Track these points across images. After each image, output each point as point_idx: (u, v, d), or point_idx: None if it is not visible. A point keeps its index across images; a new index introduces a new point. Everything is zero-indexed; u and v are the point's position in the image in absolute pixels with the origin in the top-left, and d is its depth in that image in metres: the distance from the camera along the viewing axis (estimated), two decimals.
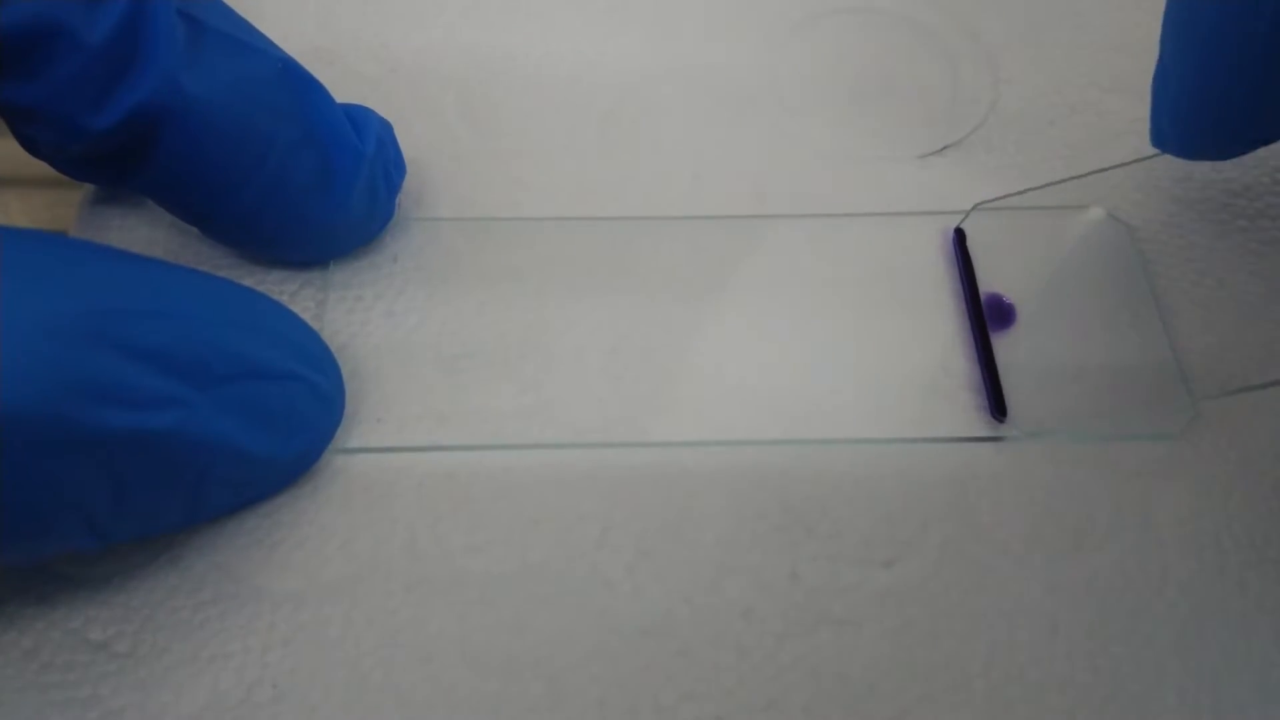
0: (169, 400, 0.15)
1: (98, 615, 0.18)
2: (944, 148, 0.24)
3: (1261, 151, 0.23)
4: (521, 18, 0.26)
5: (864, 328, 0.21)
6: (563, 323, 0.21)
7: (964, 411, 0.20)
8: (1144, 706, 0.17)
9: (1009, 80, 0.25)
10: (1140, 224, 0.23)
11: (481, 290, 0.22)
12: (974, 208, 0.22)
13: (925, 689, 0.17)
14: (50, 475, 0.14)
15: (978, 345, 0.21)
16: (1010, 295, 0.21)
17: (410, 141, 0.22)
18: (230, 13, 0.18)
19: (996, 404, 0.20)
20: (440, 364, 0.21)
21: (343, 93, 0.21)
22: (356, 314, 0.21)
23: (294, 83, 0.19)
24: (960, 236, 0.22)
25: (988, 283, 0.21)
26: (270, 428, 0.17)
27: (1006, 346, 0.21)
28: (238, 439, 0.17)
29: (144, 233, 0.22)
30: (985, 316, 0.21)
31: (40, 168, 0.19)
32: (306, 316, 0.21)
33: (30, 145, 0.18)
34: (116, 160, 0.18)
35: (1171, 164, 0.23)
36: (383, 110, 0.22)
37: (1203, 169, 0.23)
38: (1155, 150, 0.21)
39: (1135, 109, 0.24)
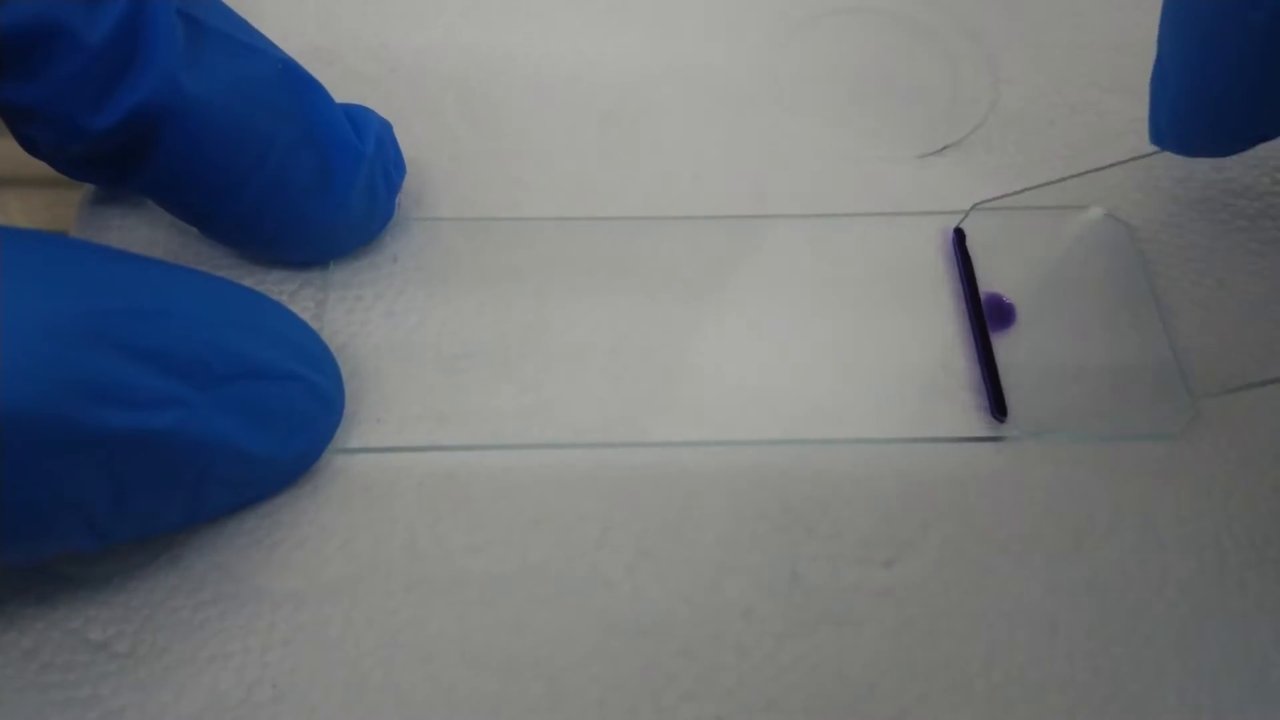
0: (169, 400, 0.15)
1: (98, 615, 0.18)
2: (944, 148, 0.24)
3: (1261, 151, 0.23)
4: (521, 18, 0.26)
5: (864, 328, 0.21)
6: (563, 323, 0.21)
7: (964, 411, 0.20)
8: (1144, 706, 0.17)
9: (1009, 80, 0.25)
10: (1140, 224, 0.23)
11: (481, 290, 0.22)
12: (973, 207, 0.22)
13: (925, 689, 0.17)
14: (50, 475, 0.14)
15: (978, 345, 0.21)
16: (1010, 295, 0.21)
17: (410, 141, 0.22)
18: (230, 13, 0.18)
19: (996, 404, 0.20)
20: (440, 364, 0.21)
21: (343, 93, 0.21)
22: (356, 314, 0.21)
23: (294, 83, 0.19)
24: (960, 236, 0.22)
25: (987, 283, 0.21)
26: (270, 428, 0.17)
27: (1006, 346, 0.21)
28: (238, 439, 0.17)
29: (144, 233, 0.22)
30: (985, 316, 0.21)
31: (40, 168, 0.19)
32: (306, 316, 0.21)
33: (30, 145, 0.18)
34: (116, 160, 0.18)
35: (1171, 163, 0.23)
36: (383, 110, 0.22)
37: (1203, 169, 0.23)
38: (1154, 149, 0.21)
39: (1135, 109, 0.24)
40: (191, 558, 0.18)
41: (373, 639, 0.18)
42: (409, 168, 0.22)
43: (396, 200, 0.22)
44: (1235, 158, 0.23)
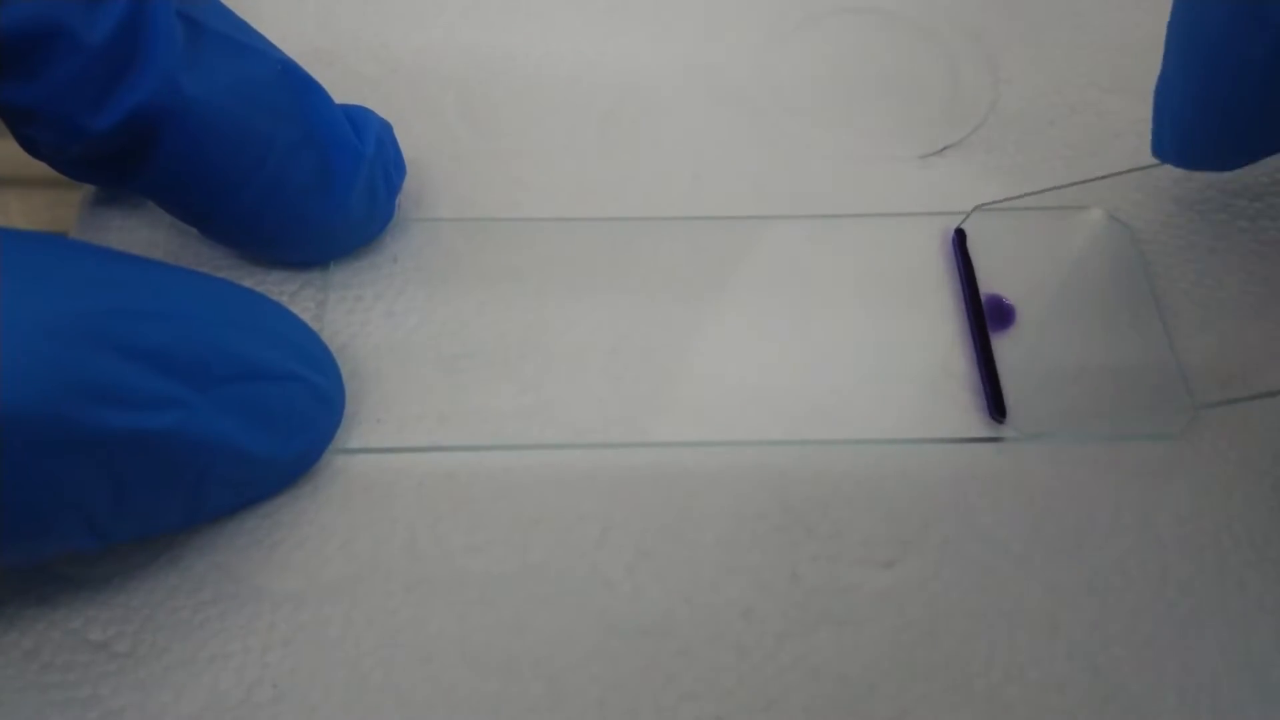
0: (169, 400, 0.15)
1: (98, 615, 0.18)
2: (944, 148, 0.24)
3: None
4: (521, 18, 0.26)
5: (864, 328, 0.21)
6: (563, 323, 0.21)
7: (964, 412, 0.20)
8: (1144, 706, 0.17)
9: (1009, 80, 0.25)
10: (1140, 225, 0.23)
11: (481, 290, 0.22)
12: (975, 209, 0.22)
13: (925, 689, 0.17)
14: (50, 475, 0.14)
15: (977, 346, 0.21)
16: (1010, 296, 0.21)
17: (410, 141, 0.22)
18: (229, 14, 0.18)
19: (996, 405, 0.20)
20: (440, 364, 0.21)
21: (343, 93, 0.21)
22: (356, 314, 0.21)
23: (293, 84, 0.19)
24: (960, 237, 0.22)
25: (988, 283, 0.21)
26: (270, 428, 0.17)
27: (1006, 347, 0.21)
28: (238, 439, 0.17)
29: (144, 233, 0.22)
30: (985, 317, 0.21)
31: (40, 168, 0.19)
32: (306, 317, 0.21)
33: (30, 146, 0.18)
34: (116, 161, 0.18)
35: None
36: (383, 110, 0.22)
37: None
38: (1155, 161, 0.21)
39: (1135, 109, 0.24)
40: (191, 558, 0.18)
41: (373, 639, 0.18)
42: (409, 168, 0.22)
43: (396, 201, 0.22)
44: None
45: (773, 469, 0.19)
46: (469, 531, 0.19)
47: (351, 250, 0.22)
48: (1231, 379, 0.20)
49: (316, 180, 0.19)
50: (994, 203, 0.22)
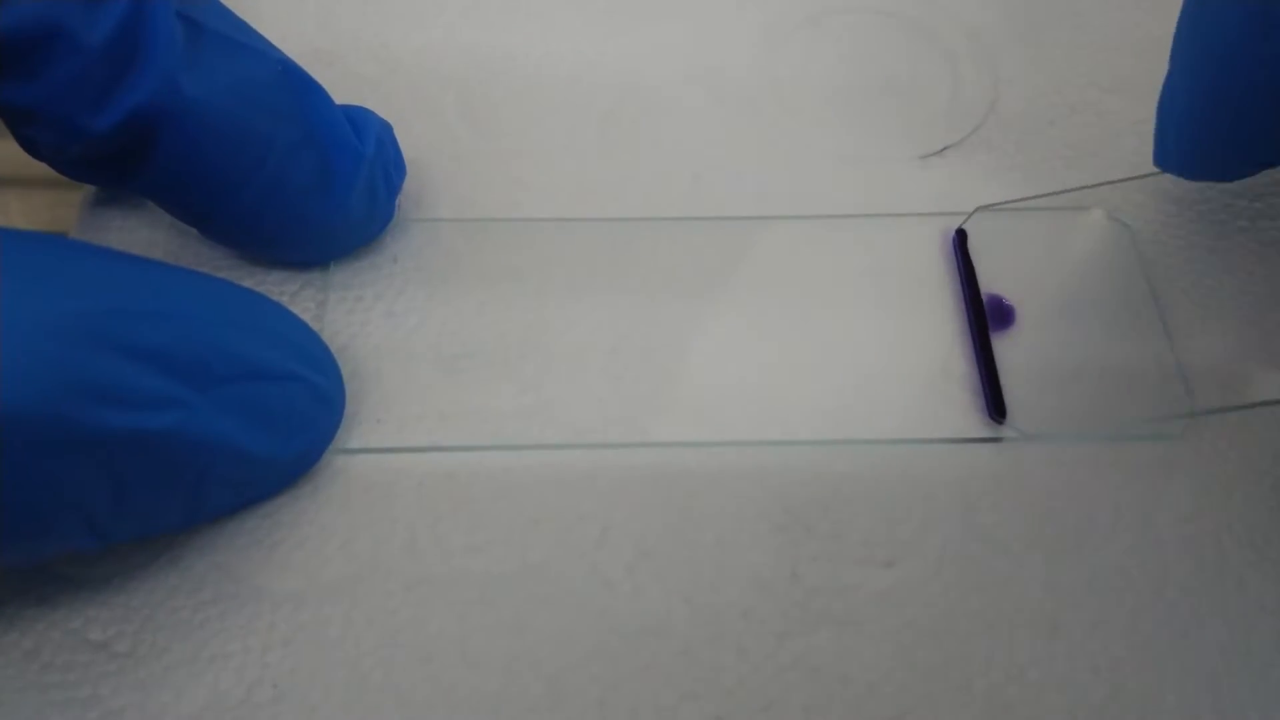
0: (169, 401, 0.15)
1: (98, 615, 0.18)
2: (944, 148, 0.24)
3: None
4: (521, 18, 0.26)
5: (864, 328, 0.21)
6: (563, 323, 0.21)
7: (964, 412, 0.20)
8: (1144, 706, 0.17)
9: (1009, 80, 0.25)
10: (1140, 225, 0.23)
11: (481, 290, 0.22)
12: (976, 210, 0.22)
13: (925, 689, 0.17)
14: (50, 475, 0.14)
15: (977, 346, 0.21)
16: (1010, 296, 0.21)
17: (410, 142, 0.22)
18: (229, 14, 0.18)
19: (996, 405, 0.20)
20: (440, 364, 0.21)
21: (343, 93, 0.21)
22: (356, 314, 0.21)
23: (293, 84, 0.19)
24: (961, 237, 0.22)
25: (987, 283, 0.21)
26: (270, 428, 0.17)
27: (1006, 347, 0.21)
28: (238, 439, 0.17)
29: (144, 234, 0.22)
30: (986, 317, 0.21)
31: (40, 168, 0.19)
32: (307, 317, 0.21)
33: (30, 146, 0.18)
34: (116, 161, 0.18)
35: None
36: (383, 110, 0.22)
37: None
38: (1156, 169, 0.21)
39: (1135, 109, 0.24)
40: (191, 558, 0.18)
41: (373, 639, 0.18)
42: (409, 168, 0.22)
43: (396, 201, 0.22)
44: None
45: (773, 469, 0.19)
46: (469, 531, 0.19)
47: (351, 250, 0.22)
48: (1231, 379, 0.20)
49: (316, 180, 0.19)
50: (997, 204, 0.22)
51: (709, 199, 0.23)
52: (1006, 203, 0.22)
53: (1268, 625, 0.18)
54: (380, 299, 0.21)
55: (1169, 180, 0.22)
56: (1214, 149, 0.20)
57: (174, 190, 0.19)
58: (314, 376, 0.18)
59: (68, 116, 0.16)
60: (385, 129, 0.21)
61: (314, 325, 0.20)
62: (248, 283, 0.21)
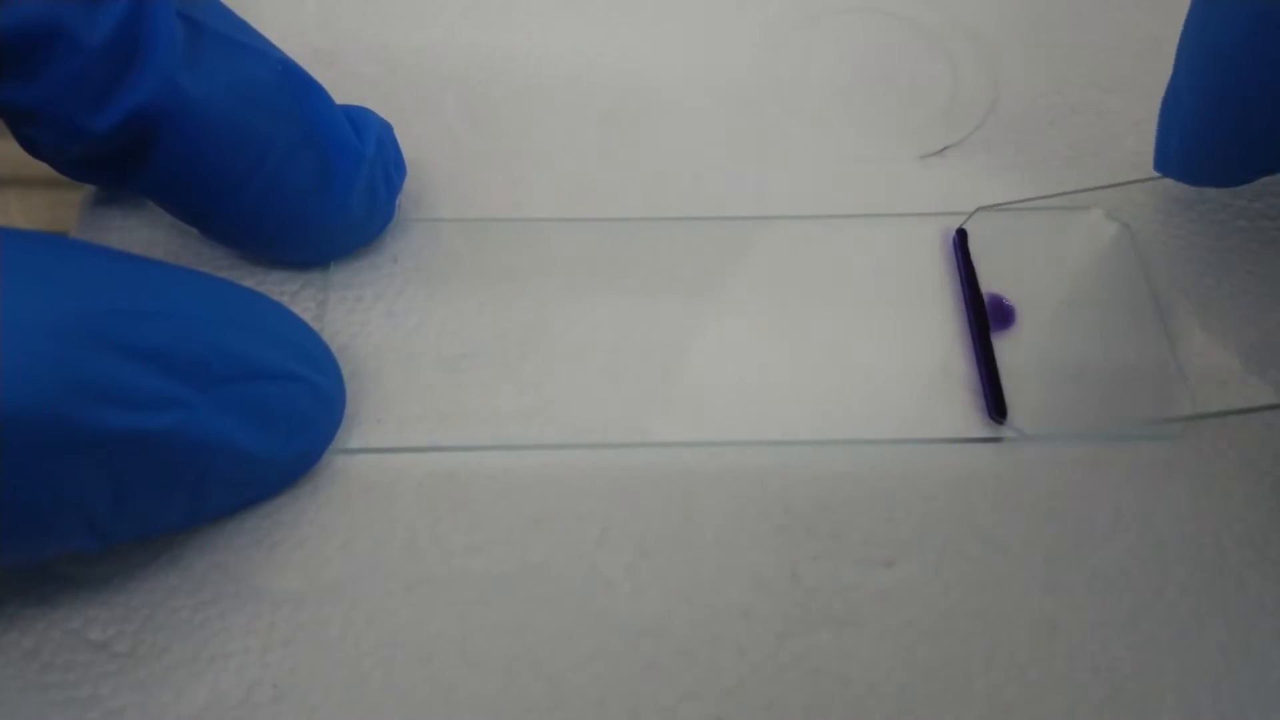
0: (169, 400, 0.15)
1: (98, 615, 0.18)
2: (944, 148, 0.24)
3: None
4: (521, 18, 0.26)
5: (864, 328, 0.21)
6: (563, 323, 0.21)
7: (964, 412, 0.20)
8: (1144, 706, 0.17)
9: (1009, 80, 0.25)
10: (1140, 225, 0.23)
11: (481, 290, 0.22)
12: (976, 210, 0.22)
13: (925, 689, 0.17)
14: (50, 475, 0.14)
15: (977, 346, 0.21)
16: (1010, 295, 0.21)
17: (410, 142, 0.22)
18: (229, 14, 0.18)
19: (995, 405, 0.20)
20: (440, 364, 0.21)
21: (343, 93, 0.21)
22: (357, 314, 0.21)
23: (293, 84, 0.19)
24: (962, 237, 0.22)
25: (987, 283, 0.21)
26: (271, 428, 0.17)
27: (1006, 347, 0.21)
28: (238, 439, 0.17)
29: (144, 233, 0.22)
30: (986, 317, 0.21)
31: (40, 168, 0.19)
32: (307, 317, 0.21)
33: (30, 146, 0.18)
34: (116, 161, 0.18)
35: None
36: (383, 110, 0.22)
37: None
38: (1156, 175, 0.21)
39: (1135, 109, 0.24)
40: (191, 558, 0.18)
41: (373, 639, 0.18)
42: (409, 168, 0.22)
43: (396, 201, 0.22)
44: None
45: (773, 469, 0.19)
46: (469, 531, 0.19)
47: (351, 250, 0.22)
48: (1231, 379, 0.20)
49: (316, 180, 0.19)
50: (998, 205, 0.22)
51: (709, 199, 0.23)
52: (1007, 203, 0.22)
53: (1268, 625, 0.18)
54: (380, 299, 0.21)
55: (1169, 180, 0.22)
56: (1218, 153, 0.20)
57: (174, 190, 0.19)
58: (314, 376, 0.18)
59: (68, 116, 0.16)
60: (385, 129, 0.21)
61: (314, 325, 0.20)
62: (248, 283, 0.21)
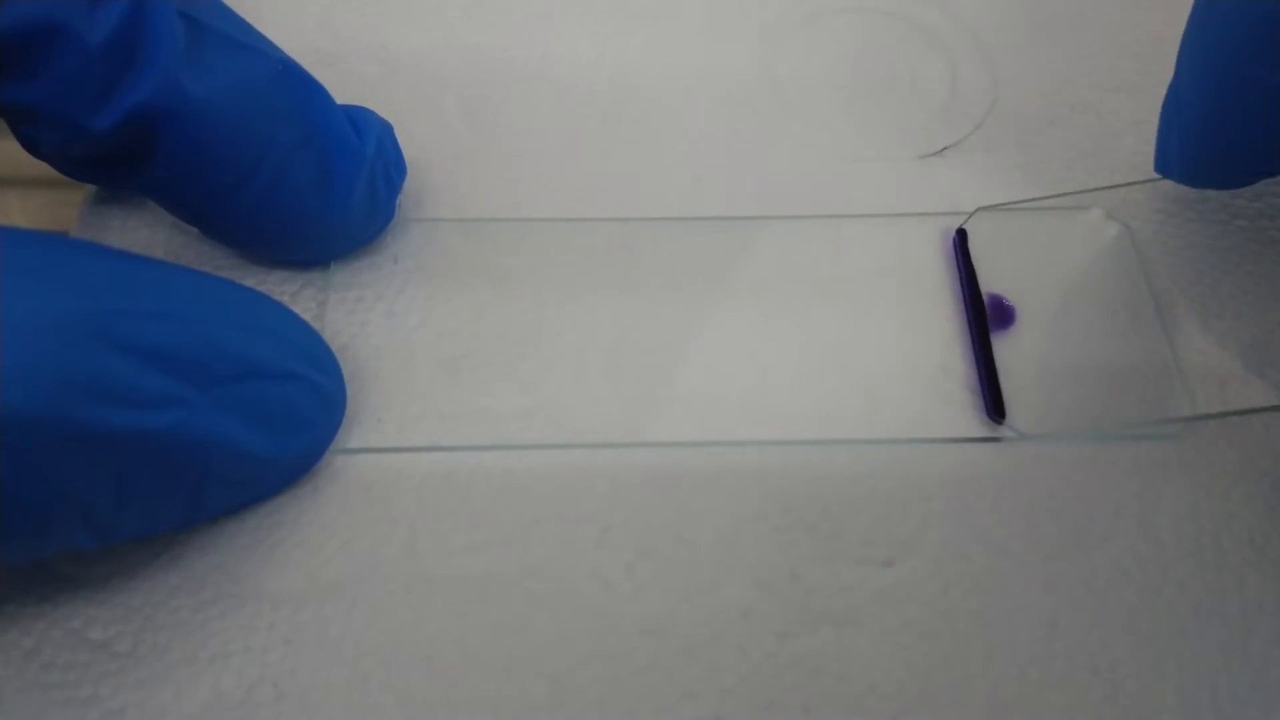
0: (169, 400, 0.15)
1: (98, 615, 0.18)
2: (944, 148, 0.24)
3: None
4: (521, 18, 0.26)
5: (864, 328, 0.21)
6: (563, 323, 0.21)
7: (964, 412, 0.20)
8: (1144, 706, 0.17)
9: (1009, 80, 0.25)
10: (1140, 225, 0.23)
11: (481, 290, 0.22)
12: (976, 210, 0.22)
13: (925, 688, 0.17)
14: (50, 474, 0.14)
15: (977, 346, 0.21)
16: (1009, 295, 0.21)
17: (410, 142, 0.22)
18: (230, 13, 0.18)
19: (995, 405, 0.20)
20: (440, 364, 0.21)
21: (343, 94, 0.21)
22: (357, 314, 0.21)
23: (294, 84, 0.19)
24: (962, 237, 0.22)
25: (987, 283, 0.21)
26: (271, 428, 0.17)
27: (1006, 347, 0.21)
28: (238, 439, 0.17)
29: (144, 233, 0.22)
30: (986, 317, 0.21)
31: (41, 168, 0.19)
32: (307, 317, 0.21)
33: (31, 145, 0.18)
34: (117, 161, 0.18)
35: None
36: (383, 111, 0.22)
37: None
38: (1157, 176, 0.21)
39: (1135, 109, 0.24)
40: (192, 558, 0.18)
41: (373, 639, 0.18)
42: (409, 168, 0.22)
43: (397, 201, 0.22)
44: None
45: (773, 469, 0.19)
46: (469, 531, 0.19)
47: (352, 250, 0.22)
48: (1231, 379, 0.20)
49: (316, 180, 0.19)
50: (998, 205, 0.22)
51: (709, 199, 0.23)
52: (1007, 203, 0.22)
53: (1267, 625, 0.18)
54: (380, 299, 0.21)
55: (1169, 180, 0.22)
56: (1218, 155, 0.20)
57: (174, 189, 0.19)
58: (315, 376, 0.18)
59: (68, 115, 0.16)
60: (385, 129, 0.21)
61: (315, 325, 0.20)
62: (248, 283, 0.21)
